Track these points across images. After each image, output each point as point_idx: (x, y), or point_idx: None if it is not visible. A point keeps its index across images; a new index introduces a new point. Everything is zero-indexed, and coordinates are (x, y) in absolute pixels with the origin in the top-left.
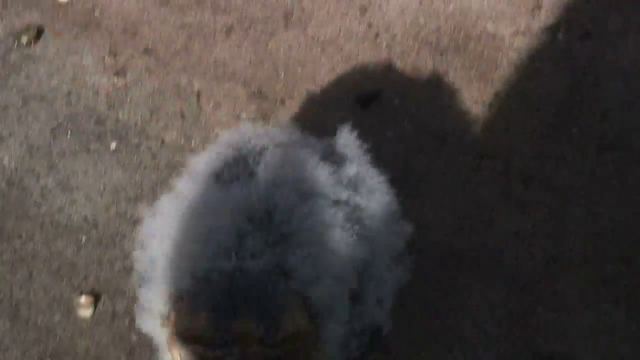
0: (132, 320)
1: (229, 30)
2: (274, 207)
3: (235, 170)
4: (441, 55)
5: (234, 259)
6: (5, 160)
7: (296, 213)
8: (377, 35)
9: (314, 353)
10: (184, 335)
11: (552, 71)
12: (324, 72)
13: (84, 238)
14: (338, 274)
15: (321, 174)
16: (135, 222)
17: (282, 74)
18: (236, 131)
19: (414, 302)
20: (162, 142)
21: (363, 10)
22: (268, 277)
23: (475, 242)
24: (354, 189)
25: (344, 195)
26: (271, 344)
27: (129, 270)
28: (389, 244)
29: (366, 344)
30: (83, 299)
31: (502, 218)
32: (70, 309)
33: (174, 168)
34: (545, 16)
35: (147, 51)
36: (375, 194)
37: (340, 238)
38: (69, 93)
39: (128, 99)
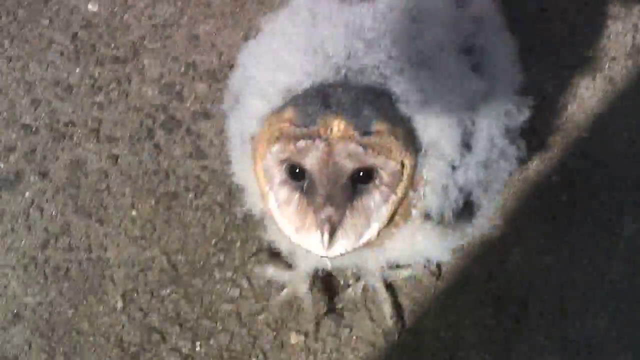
0: None
1: None
2: (388, 29)
3: None
4: None
5: (342, 75)
6: None
7: (407, 34)
8: None
9: (409, 188)
10: (269, 137)
11: None
12: None
13: None
14: (448, 103)
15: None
16: None
17: None
18: None
19: None
20: None
21: None
22: (371, 90)
23: None
24: (477, 26)
25: (464, 28)
26: (359, 139)
27: None
28: (506, 84)
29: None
30: None
31: None
32: None
33: None
34: None
35: None
36: (497, 33)
37: (455, 66)
38: None
39: None
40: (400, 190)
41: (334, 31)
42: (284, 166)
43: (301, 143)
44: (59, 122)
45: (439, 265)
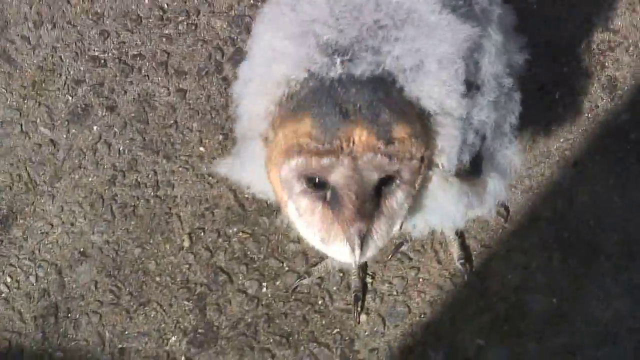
0: None
1: None
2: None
3: None
4: None
5: (339, 65)
6: None
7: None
8: None
9: (429, 160)
10: (287, 149)
11: None
12: None
13: None
14: (443, 56)
15: None
16: None
17: None
18: None
19: None
20: None
21: None
22: (377, 83)
23: None
24: None
25: None
26: (384, 150)
27: None
28: (501, 21)
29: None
30: None
31: None
32: None
33: None
34: None
35: None
36: None
37: (439, 17)
38: None
39: None
40: (418, 183)
41: (317, 9)
42: (303, 177)
43: (325, 161)
44: (127, 55)
45: (507, 208)
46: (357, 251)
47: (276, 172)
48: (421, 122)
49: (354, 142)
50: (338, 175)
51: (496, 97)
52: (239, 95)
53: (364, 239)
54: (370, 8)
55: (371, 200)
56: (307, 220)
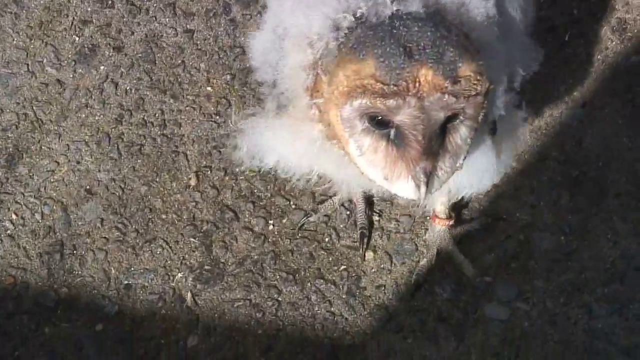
0: None
1: None
2: None
3: None
4: None
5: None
6: None
7: None
8: None
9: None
10: (349, 90)
11: None
12: None
13: None
14: None
15: None
16: None
17: None
18: None
19: None
20: None
21: None
22: (437, 19)
23: None
24: None
25: None
26: (450, 89)
27: None
28: None
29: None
30: None
31: None
32: None
33: None
34: None
35: None
36: None
37: None
38: None
39: None
40: (481, 117)
41: None
42: (366, 115)
43: (391, 102)
44: None
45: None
46: (423, 188)
47: (336, 112)
48: (479, 54)
49: (420, 83)
50: (404, 116)
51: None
52: (266, 50)
53: (430, 177)
54: None
55: (437, 139)
56: (369, 159)
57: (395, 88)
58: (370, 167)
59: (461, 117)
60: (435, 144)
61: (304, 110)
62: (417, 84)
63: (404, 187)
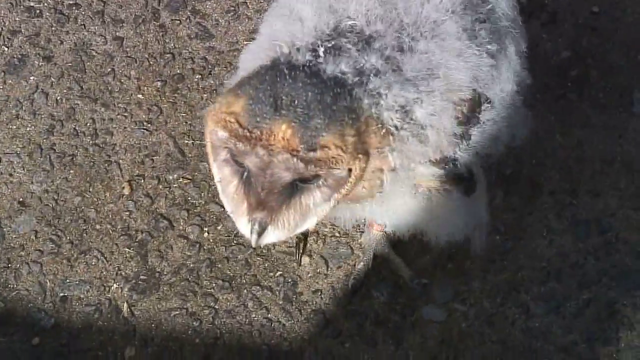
0: None
1: None
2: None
3: None
4: None
5: (317, 54)
6: None
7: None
8: None
9: (362, 171)
10: (217, 119)
11: None
12: None
13: None
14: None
15: None
16: None
17: None
18: None
19: None
20: None
21: None
22: (332, 86)
23: None
24: None
25: None
26: (302, 155)
27: None
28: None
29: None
30: None
31: None
32: None
33: None
34: None
35: None
36: None
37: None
38: None
39: None
40: (345, 189)
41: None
42: (227, 148)
43: (241, 146)
44: (63, 4)
45: None
46: (254, 237)
47: (208, 133)
48: (366, 130)
49: (274, 137)
50: (251, 163)
51: (507, 112)
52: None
53: (263, 227)
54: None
55: (280, 194)
56: (223, 188)
57: (248, 134)
58: (223, 196)
59: (319, 183)
60: (277, 198)
61: None
62: (271, 138)
63: (243, 228)
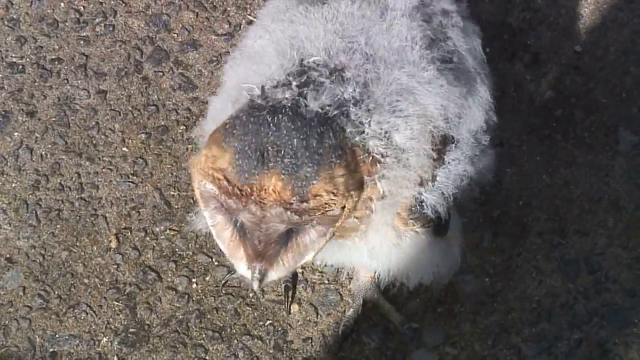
0: None
1: None
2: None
3: None
4: None
5: (292, 90)
6: None
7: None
8: None
9: (355, 204)
10: (204, 173)
11: None
12: None
13: None
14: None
15: None
16: None
17: None
18: None
19: None
20: None
21: None
22: (316, 125)
23: None
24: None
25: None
26: (295, 207)
27: None
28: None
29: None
30: None
31: None
32: None
33: None
34: None
35: None
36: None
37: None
38: None
39: None
40: (338, 224)
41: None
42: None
43: (232, 203)
44: (46, 59)
45: None
46: (256, 284)
47: (196, 184)
48: (357, 165)
49: (266, 192)
50: (245, 219)
51: (473, 152)
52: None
53: (264, 274)
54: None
55: (277, 243)
56: (218, 233)
57: (238, 191)
58: (219, 240)
59: (313, 223)
60: (275, 248)
61: None
62: (262, 193)
63: (244, 272)
